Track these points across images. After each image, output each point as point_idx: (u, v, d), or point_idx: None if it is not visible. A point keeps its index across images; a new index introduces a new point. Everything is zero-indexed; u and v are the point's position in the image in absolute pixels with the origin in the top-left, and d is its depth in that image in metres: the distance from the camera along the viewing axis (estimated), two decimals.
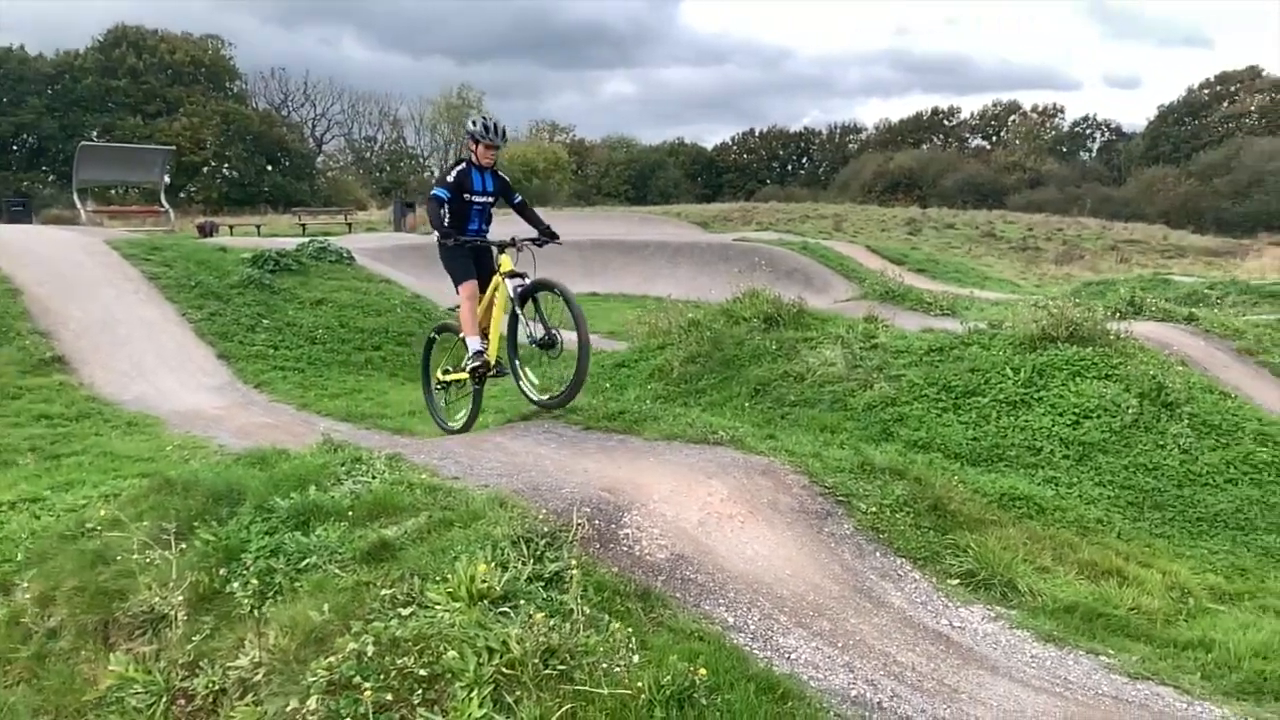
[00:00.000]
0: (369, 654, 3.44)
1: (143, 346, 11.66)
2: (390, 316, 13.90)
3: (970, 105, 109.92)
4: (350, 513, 4.64)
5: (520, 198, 7.01)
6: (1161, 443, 7.23)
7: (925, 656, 4.16)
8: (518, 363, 6.84)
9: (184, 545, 4.47)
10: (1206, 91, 66.91)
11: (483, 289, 6.75)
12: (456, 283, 6.75)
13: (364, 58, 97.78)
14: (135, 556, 4.56)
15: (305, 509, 4.72)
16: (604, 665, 3.37)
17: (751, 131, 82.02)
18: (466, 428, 7.15)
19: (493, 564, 3.90)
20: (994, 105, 78.00)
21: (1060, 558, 5.52)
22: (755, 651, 3.88)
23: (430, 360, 7.58)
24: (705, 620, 4.03)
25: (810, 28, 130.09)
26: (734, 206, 46.87)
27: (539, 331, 6.45)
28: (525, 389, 6.86)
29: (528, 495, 4.86)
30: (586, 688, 3.27)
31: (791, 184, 72.74)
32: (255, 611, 3.97)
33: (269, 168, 57.21)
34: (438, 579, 3.85)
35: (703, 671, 3.36)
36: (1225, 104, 65.89)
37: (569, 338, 6.38)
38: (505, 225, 7.10)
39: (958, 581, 5.06)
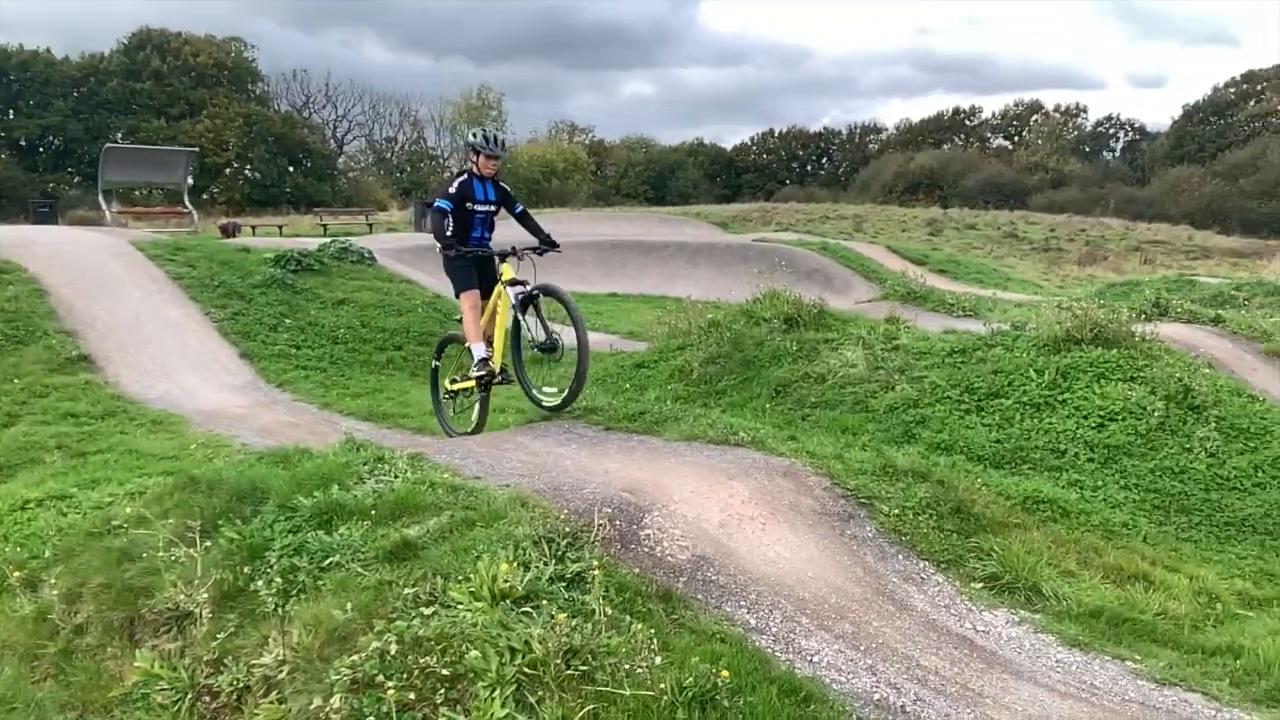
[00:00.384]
0: (391, 653, 3.45)
1: (167, 346, 11.77)
2: (411, 316, 13.96)
3: (992, 105, 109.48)
4: (373, 512, 4.65)
5: (521, 206, 7.15)
6: (1188, 446, 7.15)
7: (949, 660, 4.13)
8: (523, 368, 6.97)
9: (208, 543, 4.50)
10: (1232, 90, 66.10)
11: (485, 297, 6.91)
12: (458, 292, 6.92)
13: (384, 59, 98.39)
14: (160, 554, 4.60)
15: (328, 508, 4.74)
16: (626, 666, 3.37)
17: (771, 132, 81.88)
18: (476, 434, 7.18)
19: (514, 564, 3.90)
20: (1016, 105, 77.40)
21: (1085, 562, 5.46)
22: (777, 654, 3.87)
23: (439, 370, 7.73)
24: (727, 622, 4.02)
25: (830, 28, 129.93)
26: (753, 207, 46.79)
27: (540, 336, 6.62)
28: (531, 393, 7.00)
29: (549, 495, 4.87)
30: (609, 688, 3.27)
31: (811, 184, 72.47)
32: (279, 609, 4.00)
33: (290, 169, 57.61)
34: (460, 578, 3.86)
35: (725, 673, 3.35)
36: (1251, 103, 65.01)
37: (569, 340, 6.50)
38: (505, 231, 7.18)
39: (981, 585, 5.01)
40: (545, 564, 4.01)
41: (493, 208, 6.97)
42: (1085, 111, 76.60)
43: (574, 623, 3.51)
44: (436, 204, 6.82)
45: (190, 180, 27.84)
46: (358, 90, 74.77)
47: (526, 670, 3.34)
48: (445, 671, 3.37)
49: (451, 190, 6.76)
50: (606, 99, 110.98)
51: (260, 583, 4.17)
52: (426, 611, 3.70)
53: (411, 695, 3.32)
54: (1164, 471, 6.95)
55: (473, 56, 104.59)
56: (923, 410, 7.76)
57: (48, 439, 8.54)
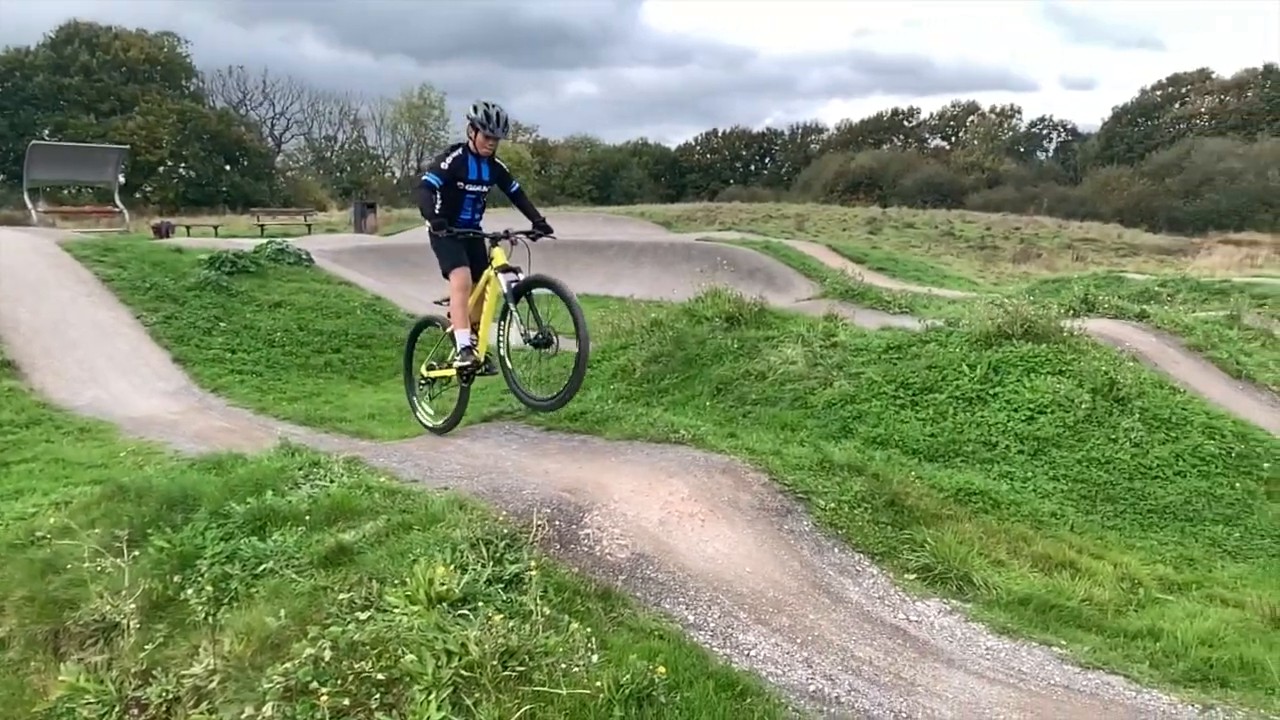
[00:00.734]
0: (326, 659, 3.42)
1: (96, 350, 11.42)
2: (350, 319, 13.75)
3: (930, 106, 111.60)
4: (308, 517, 4.59)
5: (517, 185, 6.73)
6: (1113, 437, 7.37)
7: (883, 650, 4.22)
8: (508, 361, 6.51)
9: (137, 553, 4.41)
10: (1159, 93, 68.39)
11: (473, 280, 6.48)
12: (446, 270, 6.44)
13: (323, 56, 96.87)
14: (86, 565, 4.49)
15: (262, 514, 4.67)
16: (563, 666, 3.38)
17: (715, 132, 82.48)
18: (449, 427, 6.90)
19: (451, 566, 3.89)
20: (953, 106, 79.10)
21: (1015, 551, 5.61)
22: (715, 649, 3.91)
23: (413, 353, 7.31)
24: (665, 619, 4.05)
25: (772, 29, 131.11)
26: (697, 206, 47.07)
27: (534, 330, 6.20)
28: (518, 389, 6.57)
29: (488, 497, 4.85)
30: (546, 688, 3.28)
31: (754, 184, 73.15)
32: (210, 618, 3.93)
33: (227, 167, 56.39)
34: (396, 582, 3.84)
35: (662, 670, 3.38)
36: (1177, 105, 67.40)
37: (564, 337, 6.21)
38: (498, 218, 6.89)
39: (915, 576, 5.12)
40: (483, 566, 4.00)
41: (485, 188, 6.54)
42: (1020, 113, 78.72)
43: (511, 624, 3.51)
44: (424, 179, 6.32)
45: (122, 179, 27.07)
46: (296, 87, 73.78)
47: (463, 673, 3.32)
48: (381, 676, 3.35)
49: (443, 165, 6.29)
50: (550, 98, 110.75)
51: (190, 591, 4.10)
52: (362, 616, 3.67)
53: (346, 701, 3.29)
54: (1091, 462, 7.16)
55: (414, 55, 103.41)
56: (859, 406, 7.89)
57: None
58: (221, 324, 12.65)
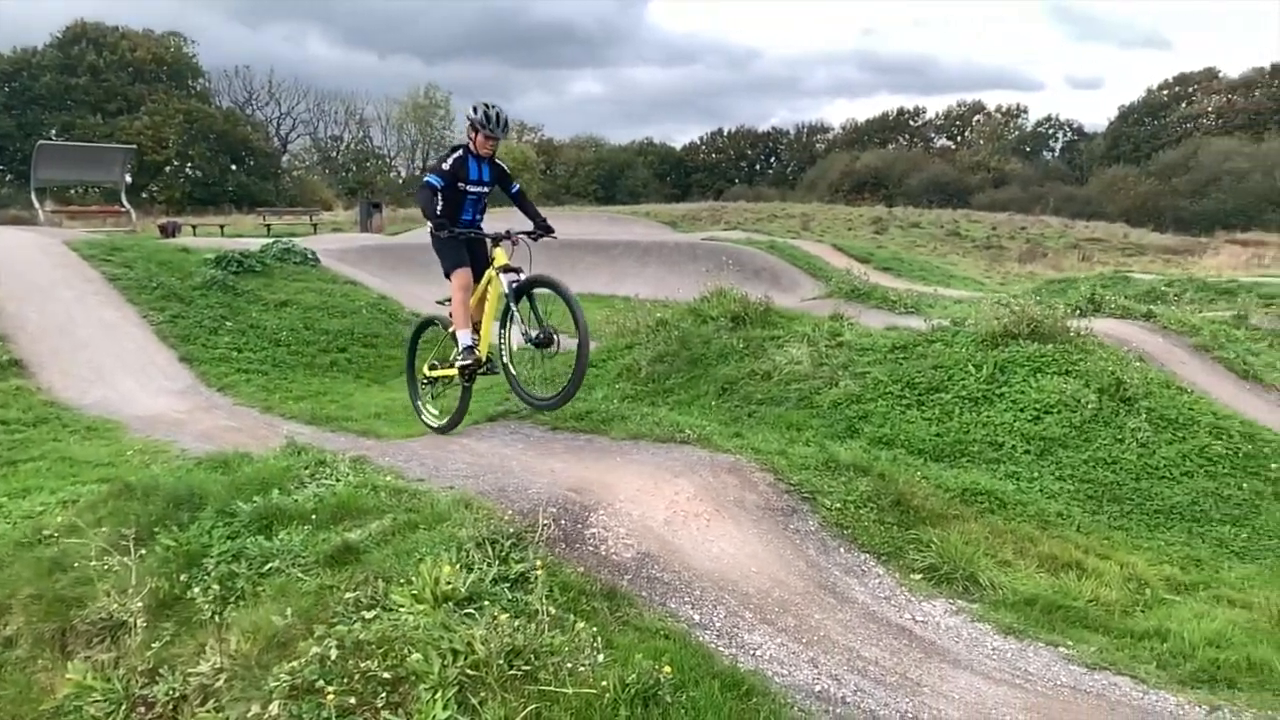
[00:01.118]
0: (332, 657, 3.42)
1: (103, 349, 11.45)
2: (356, 318, 13.77)
3: (935, 105, 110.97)
4: (314, 516, 4.60)
5: (518, 186, 6.78)
6: (1120, 437, 7.35)
7: (888, 651, 4.21)
8: (510, 360, 6.54)
9: (144, 551, 4.42)
10: (1165, 92, 68.19)
11: (475, 280, 6.52)
12: (448, 271, 6.49)
13: (329, 56, 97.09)
14: (93, 563, 4.50)
15: (268, 513, 4.68)
16: (569, 665, 3.38)
17: (720, 131, 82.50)
18: (452, 426, 6.93)
19: (457, 565, 3.89)
20: (959, 105, 79.10)
21: (1021, 551, 5.60)
22: (720, 649, 3.91)
23: (416, 353, 7.34)
24: (671, 618, 4.06)
25: (778, 28, 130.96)
26: (702, 206, 47.08)
27: (535, 329, 6.24)
28: (519, 388, 6.60)
29: (494, 496, 4.86)
30: (551, 688, 3.28)
31: (759, 183, 73.17)
32: (216, 617, 3.94)
33: (233, 167, 56.52)
34: (402, 581, 3.84)
35: (668, 669, 3.38)
36: (1184, 105, 67.18)
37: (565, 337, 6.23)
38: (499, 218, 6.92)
39: (921, 576, 5.12)
40: (489, 565, 4.00)
41: (486, 188, 6.59)
42: (1025, 112, 78.58)
43: (517, 623, 3.51)
44: (426, 180, 6.38)
45: (128, 178, 27.21)
46: (302, 87, 73.81)
47: (469, 672, 3.33)
48: (387, 675, 3.35)
49: (445, 166, 6.34)
50: (556, 98, 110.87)
51: (197, 590, 4.10)
52: (368, 615, 3.67)
53: (352, 700, 3.29)
54: (1097, 462, 7.13)
55: (420, 55, 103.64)
56: (865, 405, 7.88)
57: None
58: (228, 323, 12.67)
